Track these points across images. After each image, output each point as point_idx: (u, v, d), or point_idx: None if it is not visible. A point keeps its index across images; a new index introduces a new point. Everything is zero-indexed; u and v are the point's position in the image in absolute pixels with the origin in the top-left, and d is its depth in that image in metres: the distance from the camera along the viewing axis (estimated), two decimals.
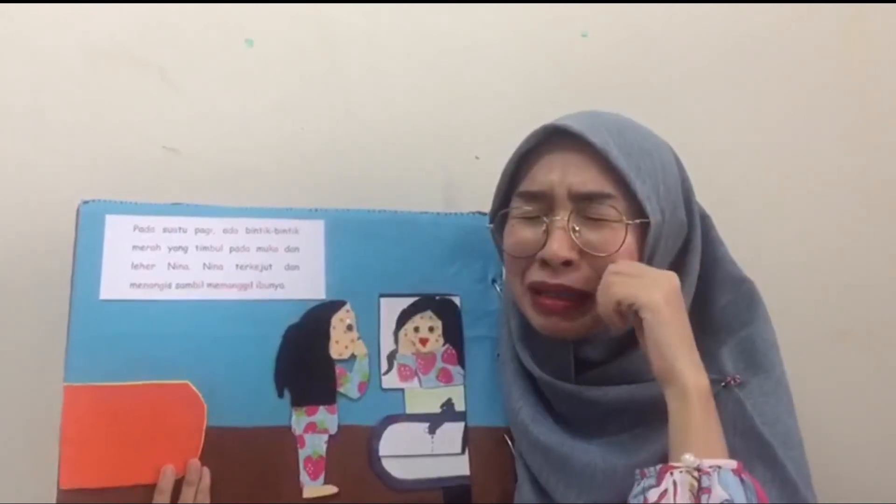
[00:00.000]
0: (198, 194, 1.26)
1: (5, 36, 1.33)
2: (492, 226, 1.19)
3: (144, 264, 1.17)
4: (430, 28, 1.47)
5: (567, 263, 1.08)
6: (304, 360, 1.20)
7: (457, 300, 1.27)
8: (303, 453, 1.17)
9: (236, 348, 1.17)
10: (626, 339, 1.11)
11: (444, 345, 1.25)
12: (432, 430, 1.21)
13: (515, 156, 1.16)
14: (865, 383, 1.52)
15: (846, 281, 1.54)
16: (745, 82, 1.54)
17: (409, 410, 1.21)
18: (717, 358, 1.12)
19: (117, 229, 1.18)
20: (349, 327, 1.22)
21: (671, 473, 0.91)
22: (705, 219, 1.20)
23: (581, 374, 1.15)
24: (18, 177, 1.33)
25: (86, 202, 1.18)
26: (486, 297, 1.28)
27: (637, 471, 0.96)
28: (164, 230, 1.19)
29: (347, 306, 1.22)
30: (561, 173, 1.10)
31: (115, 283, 1.16)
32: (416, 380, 1.23)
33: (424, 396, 1.23)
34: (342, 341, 1.21)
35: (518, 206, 1.14)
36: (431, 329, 1.25)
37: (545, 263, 1.09)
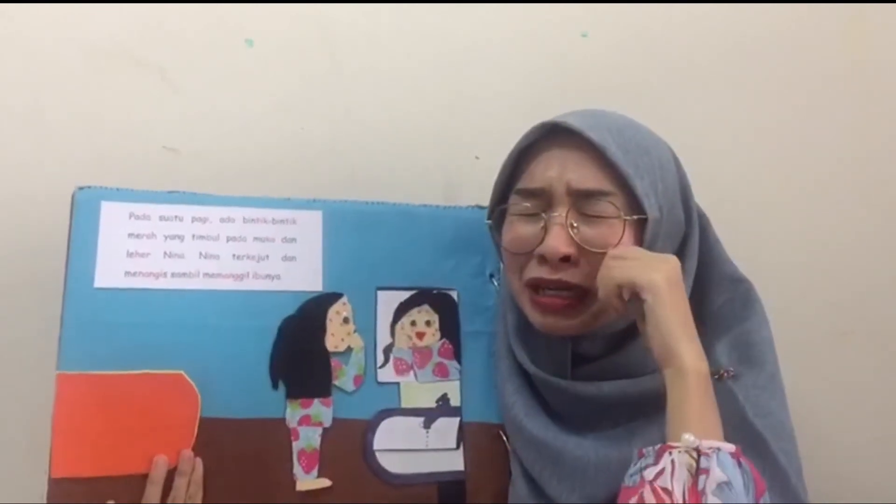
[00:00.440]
0: None
1: (5, 36, 1.34)
2: (490, 222, 1.19)
3: (140, 252, 1.16)
4: (430, 28, 1.47)
5: (565, 259, 1.08)
6: (299, 353, 1.19)
7: (454, 294, 1.26)
8: (296, 446, 1.16)
9: (231, 339, 1.16)
10: (624, 334, 1.12)
11: (440, 339, 1.24)
12: (427, 425, 1.21)
13: (514, 152, 1.16)
14: (865, 383, 1.51)
15: (846, 281, 1.53)
16: (745, 82, 1.54)
17: (404, 405, 1.21)
18: (712, 352, 1.10)
19: (113, 217, 1.17)
20: (345, 320, 1.21)
21: (669, 453, 0.91)
22: (703, 218, 1.19)
23: (576, 369, 1.14)
24: (18, 177, 1.32)
25: (81, 188, 1.17)
26: (483, 292, 1.27)
27: (635, 450, 0.95)
28: (161, 218, 1.18)
29: (344, 299, 1.22)
30: (559, 170, 1.10)
31: (110, 271, 1.15)
32: (411, 374, 1.22)
33: (420, 391, 1.22)
34: (338, 334, 1.20)
35: (516, 203, 1.14)
36: (428, 323, 1.24)
37: (543, 260, 1.09)
